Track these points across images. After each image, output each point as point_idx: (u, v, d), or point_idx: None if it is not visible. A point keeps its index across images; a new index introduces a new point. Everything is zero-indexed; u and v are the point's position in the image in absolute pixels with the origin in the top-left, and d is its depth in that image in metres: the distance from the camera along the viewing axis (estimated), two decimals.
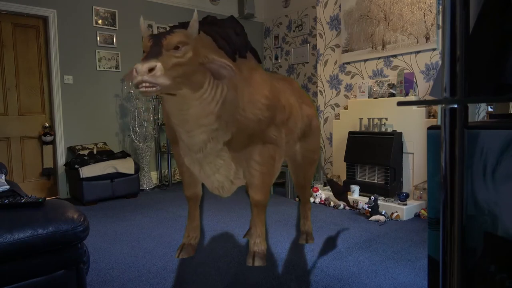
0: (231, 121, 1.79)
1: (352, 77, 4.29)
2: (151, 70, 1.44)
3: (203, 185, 2.25)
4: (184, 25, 1.72)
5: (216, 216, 3.36)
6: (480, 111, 2.98)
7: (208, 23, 1.86)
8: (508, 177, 0.66)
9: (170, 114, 1.80)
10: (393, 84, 3.77)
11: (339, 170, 4.20)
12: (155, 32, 5.00)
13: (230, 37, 1.81)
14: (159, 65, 1.46)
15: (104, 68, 4.58)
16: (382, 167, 3.60)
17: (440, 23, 1.30)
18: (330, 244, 2.61)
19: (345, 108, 4.22)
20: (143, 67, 1.43)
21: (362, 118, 3.85)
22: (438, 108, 3.30)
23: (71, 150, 4.31)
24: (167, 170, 4.96)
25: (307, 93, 5.24)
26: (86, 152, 4.20)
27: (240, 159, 1.93)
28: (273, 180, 2.10)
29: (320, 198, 3.83)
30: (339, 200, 2.90)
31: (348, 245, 2.60)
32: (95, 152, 4.24)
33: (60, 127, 4.29)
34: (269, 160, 1.95)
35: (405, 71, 3.72)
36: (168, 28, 1.77)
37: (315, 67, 5.17)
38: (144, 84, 1.45)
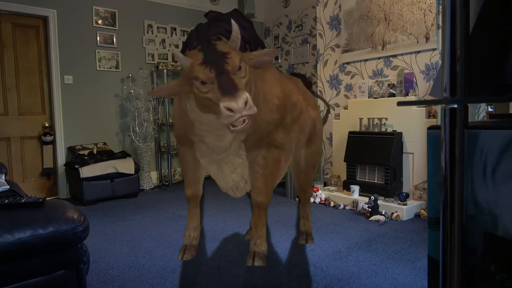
0: (252, 119, 1.79)
1: (352, 77, 4.29)
2: (246, 103, 1.42)
3: (204, 185, 2.25)
4: (207, 33, 1.64)
5: (216, 216, 3.36)
6: (480, 111, 2.98)
7: (214, 20, 1.83)
8: (508, 177, 0.66)
9: (196, 121, 1.76)
10: (393, 84, 3.77)
11: (339, 170, 4.20)
12: (155, 31, 4.99)
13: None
14: (247, 94, 1.43)
15: (104, 68, 4.58)
16: (382, 167, 3.60)
17: (440, 23, 1.30)
18: (330, 245, 2.61)
19: (345, 108, 4.22)
20: (238, 104, 1.39)
21: (362, 118, 3.84)
22: (438, 108, 3.30)
23: (71, 150, 4.31)
24: (167, 170, 4.96)
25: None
26: (86, 152, 4.20)
27: (248, 160, 1.93)
28: (277, 182, 2.09)
29: (320, 198, 3.83)
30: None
31: (348, 245, 2.60)
32: (95, 152, 4.24)
33: (60, 127, 4.29)
34: (273, 163, 1.94)
35: (405, 71, 3.72)
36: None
37: (315, 67, 5.17)
38: (242, 120, 1.43)
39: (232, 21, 1.57)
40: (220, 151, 1.84)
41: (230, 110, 1.41)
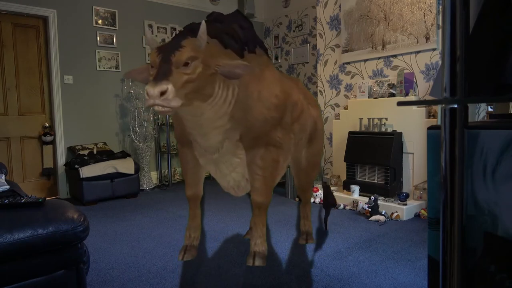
0: (243, 120, 1.79)
1: (352, 77, 4.29)
2: (163, 93, 1.41)
3: (204, 185, 2.25)
4: (193, 30, 1.66)
5: (216, 216, 3.36)
6: (480, 111, 2.98)
7: (213, 20, 1.84)
8: (508, 177, 0.66)
9: (183, 119, 1.78)
10: (393, 84, 3.77)
11: (339, 170, 4.20)
12: (155, 31, 4.99)
13: (236, 32, 1.79)
14: (170, 87, 1.42)
15: (104, 68, 4.58)
16: (382, 167, 3.60)
17: (440, 23, 1.30)
18: (330, 245, 2.61)
19: (345, 108, 4.22)
20: (154, 90, 1.40)
21: (362, 118, 3.84)
22: (438, 108, 3.30)
23: (71, 150, 4.31)
24: (167, 170, 4.96)
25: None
26: (86, 152, 4.20)
27: (247, 159, 1.93)
28: (276, 182, 2.09)
29: (320, 198, 3.82)
30: (326, 210, 2.91)
31: (348, 245, 2.60)
32: (95, 152, 4.24)
33: (60, 127, 4.29)
34: (271, 163, 1.94)
35: (405, 71, 3.72)
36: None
37: (315, 67, 5.17)
38: (157, 107, 1.43)
39: (202, 22, 1.57)
40: (212, 150, 1.85)
41: (148, 94, 1.42)
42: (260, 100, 1.80)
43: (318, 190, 3.87)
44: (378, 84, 3.91)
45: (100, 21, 4.53)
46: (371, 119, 3.74)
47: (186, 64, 1.51)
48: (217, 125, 1.74)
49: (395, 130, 3.59)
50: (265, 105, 1.82)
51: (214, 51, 1.66)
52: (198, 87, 1.55)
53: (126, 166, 4.18)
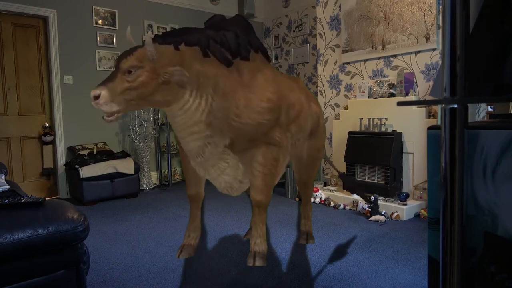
0: (226, 127, 1.79)
1: (352, 77, 4.29)
2: (96, 97, 1.54)
3: (205, 185, 2.25)
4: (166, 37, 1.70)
5: (216, 216, 3.36)
6: (480, 111, 2.98)
7: (208, 27, 1.85)
8: (508, 177, 0.66)
9: None
10: (393, 84, 3.77)
11: (339, 170, 4.19)
12: (155, 31, 5.00)
13: (226, 40, 1.79)
14: (102, 93, 1.54)
15: (104, 68, 4.58)
16: (382, 167, 3.60)
17: (440, 23, 1.30)
18: (333, 246, 2.61)
19: (345, 108, 4.22)
20: (91, 94, 1.55)
21: (362, 118, 3.84)
22: (438, 108, 3.30)
23: (71, 150, 4.31)
24: (167, 170, 4.96)
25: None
26: (86, 152, 4.20)
27: (245, 160, 1.93)
28: (276, 181, 2.09)
29: (320, 198, 3.83)
30: (352, 193, 2.91)
31: (348, 245, 2.60)
32: (95, 152, 4.24)
33: (60, 127, 4.29)
34: (272, 162, 1.95)
35: (405, 71, 3.72)
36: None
37: (315, 67, 5.17)
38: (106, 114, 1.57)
39: (147, 37, 1.58)
40: (193, 154, 1.86)
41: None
42: (248, 106, 1.80)
43: (318, 190, 3.87)
44: (378, 84, 3.91)
45: (100, 21, 4.53)
46: (371, 119, 3.74)
47: (129, 72, 1.57)
48: (193, 131, 1.76)
49: (395, 130, 3.59)
50: (255, 110, 1.82)
51: (178, 59, 1.65)
52: (142, 94, 1.60)
53: (126, 166, 4.18)
